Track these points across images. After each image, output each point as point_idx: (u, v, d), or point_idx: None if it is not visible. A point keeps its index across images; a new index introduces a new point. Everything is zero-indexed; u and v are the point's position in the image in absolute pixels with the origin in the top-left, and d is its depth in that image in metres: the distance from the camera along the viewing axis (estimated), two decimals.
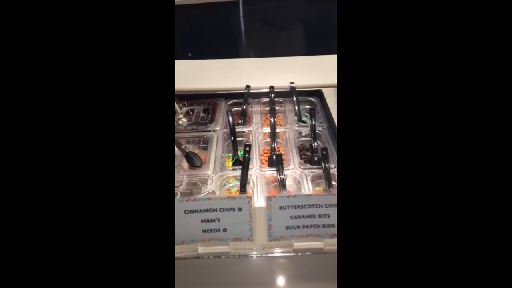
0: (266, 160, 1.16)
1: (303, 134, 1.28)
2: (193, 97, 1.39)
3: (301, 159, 1.15)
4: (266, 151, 1.23)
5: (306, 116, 1.35)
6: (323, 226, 0.76)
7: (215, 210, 0.74)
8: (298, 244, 0.78)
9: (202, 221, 0.75)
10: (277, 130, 1.26)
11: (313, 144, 1.22)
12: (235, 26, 2.54)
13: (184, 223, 0.74)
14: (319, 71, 1.50)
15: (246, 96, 1.35)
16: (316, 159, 1.14)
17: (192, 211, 0.74)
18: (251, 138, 1.24)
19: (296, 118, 1.32)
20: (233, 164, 1.14)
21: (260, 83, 1.39)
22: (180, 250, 0.76)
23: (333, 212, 0.75)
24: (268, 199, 0.74)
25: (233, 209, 0.74)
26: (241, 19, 2.54)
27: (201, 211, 0.74)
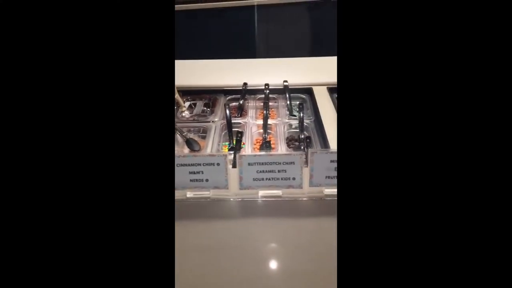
0: (258, 148, 1.32)
1: (293, 126, 1.43)
2: (196, 93, 1.55)
3: (289, 147, 1.30)
4: (258, 140, 1.38)
5: (297, 111, 1.50)
6: (282, 179, 0.96)
7: (199, 164, 0.93)
8: (262, 192, 1.01)
9: (190, 172, 0.95)
10: (270, 122, 1.41)
11: (300, 135, 1.37)
12: (238, 30, 2.70)
13: (176, 174, 0.95)
14: (310, 71, 1.66)
15: (243, 92, 1.51)
16: (302, 147, 1.29)
17: (182, 165, 0.93)
18: (245, 129, 1.39)
19: (287, 112, 1.47)
20: (229, 150, 1.29)
21: (256, 81, 1.55)
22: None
23: (290, 168, 0.94)
24: (239, 157, 0.94)
25: (213, 164, 0.93)
26: (244, 23, 2.71)
27: (188, 165, 0.93)
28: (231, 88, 1.53)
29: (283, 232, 0.91)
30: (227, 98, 1.52)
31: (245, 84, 1.53)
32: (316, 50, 2.58)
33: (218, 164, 0.93)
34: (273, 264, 0.83)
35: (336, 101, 1.47)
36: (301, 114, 1.39)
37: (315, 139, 1.31)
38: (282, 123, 1.42)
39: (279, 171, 0.94)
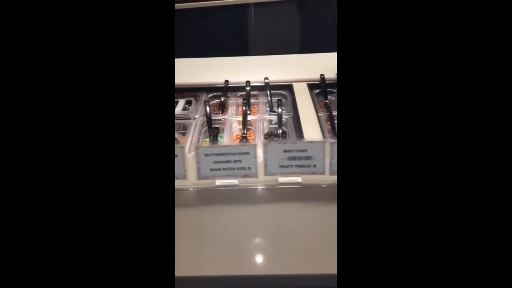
0: None
1: (273, 122, 1.46)
2: (178, 91, 1.60)
3: None
4: (238, 136, 1.42)
5: (276, 106, 1.53)
6: (238, 168, 1.01)
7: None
8: (219, 182, 1.06)
9: None
10: (251, 119, 1.45)
11: (278, 130, 1.40)
12: (219, 28, 2.76)
13: None
14: (291, 68, 1.69)
15: (224, 90, 1.55)
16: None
17: None
18: (226, 125, 1.44)
19: (268, 109, 1.51)
20: None
21: (238, 79, 1.59)
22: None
23: (245, 158, 0.99)
24: (196, 148, 0.99)
25: (176, 156, 0.98)
26: (226, 23, 2.77)
27: None
28: (212, 85, 1.57)
29: (239, 218, 0.95)
30: (209, 96, 1.56)
31: (226, 81, 1.57)
32: (297, 47, 2.61)
33: (176, 156, 0.97)
34: (229, 248, 0.87)
35: (315, 97, 1.50)
36: (280, 110, 1.42)
37: (292, 134, 1.34)
38: (261, 119, 1.45)
39: (235, 161, 0.98)
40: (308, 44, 2.65)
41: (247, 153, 0.97)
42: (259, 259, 0.84)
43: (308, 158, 0.97)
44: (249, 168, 0.99)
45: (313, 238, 0.87)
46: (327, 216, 0.92)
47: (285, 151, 0.97)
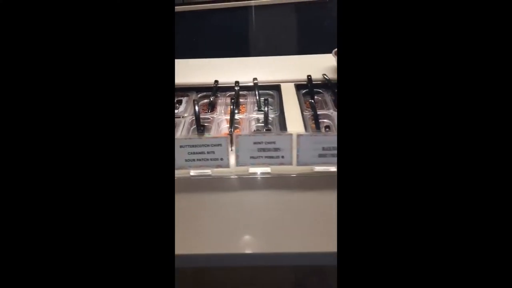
0: None
1: (260, 121, 1.51)
2: None
3: None
4: (226, 134, 1.48)
5: (263, 106, 1.59)
6: (211, 159, 1.06)
7: None
8: (194, 172, 1.12)
9: None
10: (239, 117, 1.50)
11: (264, 128, 1.45)
12: (211, 31, 2.83)
13: None
14: (279, 69, 1.75)
15: (214, 90, 1.61)
16: None
17: None
18: (213, 123, 1.49)
19: (256, 108, 1.56)
20: None
21: (227, 79, 1.65)
22: None
23: (217, 149, 1.04)
24: None
25: None
26: (218, 25, 2.84)
27: None
28: (202, 85, 1.63)
29: (213, 205, 1.02)
30: (199, 95, 1.62)
31: (216, 82, 1.63)
32: (286, 49, 2.67)
33: None
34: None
35: (301, 97, 1.54)
36: (266, 109, 1.47)
37: (277, 132, 1.39)
38: (249, 118, 1.51)
39: (208, 152, 1.03)
40: (296, 46, 2.70)
41: (220, 144, 1.03)
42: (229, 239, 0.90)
43: (276, 149, 1.02)
44: (221, 159, 1.04)
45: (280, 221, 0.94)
46: (294, 203, 0.99)
47: (255, 143, 1.02)
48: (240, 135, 1.03)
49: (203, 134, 1.37)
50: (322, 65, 1.71)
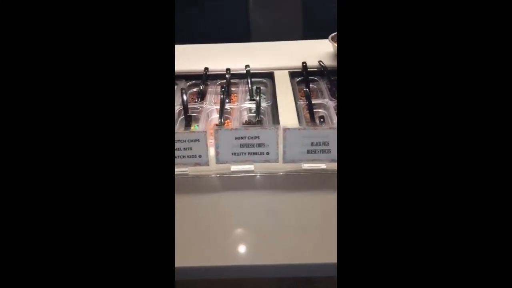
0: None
1: (252, 110, 1.42)
2: None
3: None
4: (216, 125, 1.38)
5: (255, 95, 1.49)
6: (188, 156, 0.98)
7: None
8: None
9: None
10: (230, 107, 1.41)
11: (256, 118, 1.36)
12: (201, 15, 2.73)
13: None
14: (273, 55, 1.65)
15: (204, 77, 1.51)
16: None
17: None
18: (202, 114, 1.40)
19: (248, 97, 1.46)
20: None
21: (218, 66, 1.55)
22: None
23: (195, 145, 0.97)
24: None
25: None
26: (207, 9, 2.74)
27: None
28: (192, 73, 1.53)
29: (190, 208, 0.93)
30: (188, 84, 1.53)
31: (206, 69, 1.53)
32: (280, 34, 2.55)
33: None
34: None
35: (296, 85, 1.45)
36: (258, 98, 1.38)
37: (269, 123, 1.30)
38: (240, 107, 1.41)
39: (184, 148, 0.94)
40: (291, 31, 2.59)
41: (197, 140, 0.93)
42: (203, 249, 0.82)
43: (260, 145, 0.93)
44: (199, 156, 0.95)
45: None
46: (281, 205, 0.91)
47: (237, 138, 0.93)
48: (220, 129, 0.93)
49: (190, 126, 1.27)
50: (319, 51, 1.62)
